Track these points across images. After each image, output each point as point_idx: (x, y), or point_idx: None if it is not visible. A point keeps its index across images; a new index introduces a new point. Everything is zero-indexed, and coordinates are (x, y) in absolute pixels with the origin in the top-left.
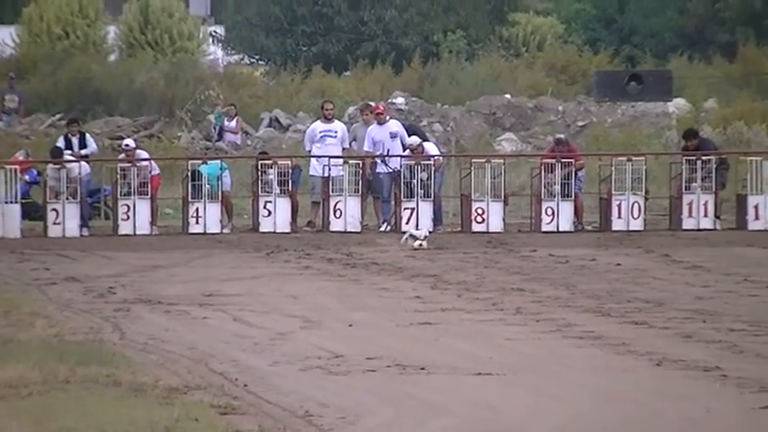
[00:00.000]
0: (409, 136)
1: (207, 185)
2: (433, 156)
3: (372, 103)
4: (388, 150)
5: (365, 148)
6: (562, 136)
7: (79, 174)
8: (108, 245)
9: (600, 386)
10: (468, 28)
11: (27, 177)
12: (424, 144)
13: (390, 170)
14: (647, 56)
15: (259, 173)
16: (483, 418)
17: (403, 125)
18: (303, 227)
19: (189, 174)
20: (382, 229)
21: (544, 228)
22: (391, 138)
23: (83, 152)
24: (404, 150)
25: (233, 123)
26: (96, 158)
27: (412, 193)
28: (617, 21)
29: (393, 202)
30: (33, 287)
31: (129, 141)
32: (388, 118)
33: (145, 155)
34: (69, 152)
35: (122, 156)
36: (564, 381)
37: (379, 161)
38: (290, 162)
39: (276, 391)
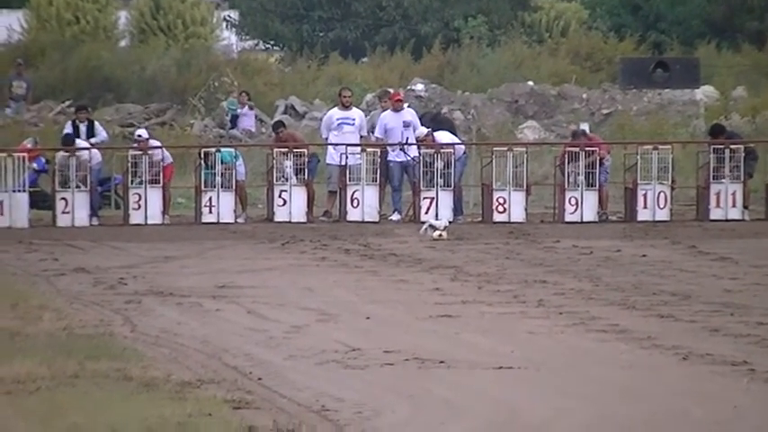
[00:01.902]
0: (435, 125)
1: (221, 165)
2: (449, 144)
3: (392, 90)
4: (407, 139)
5: (376, 134)
6: (581, 128)
7: (89, 161)
8: (118, 235)
9: (625, 382)
10: (490, 13)
11: (35, 166)
12: (437, 134)
13: (408, 158)
14: (673, 43)
15: (276, 158)
16: (503, 416)
17: (424, 114)
18: (319, 217)
19: (202, 158)
20: (393, 218)
21: (567, 218)
22: (404, 126)
23: (92, 140)
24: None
25: (245, 110)
26: (107, 146)
27: (431, 183)
28: (643, 7)
29: (402, 192)
30: (41, 278)
31: (142, 132)
32: (406, 106)
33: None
34: (78, 140)
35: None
36: (587, 376)
37: (390, 149)
38: (306, 150)
39: (291, 385)
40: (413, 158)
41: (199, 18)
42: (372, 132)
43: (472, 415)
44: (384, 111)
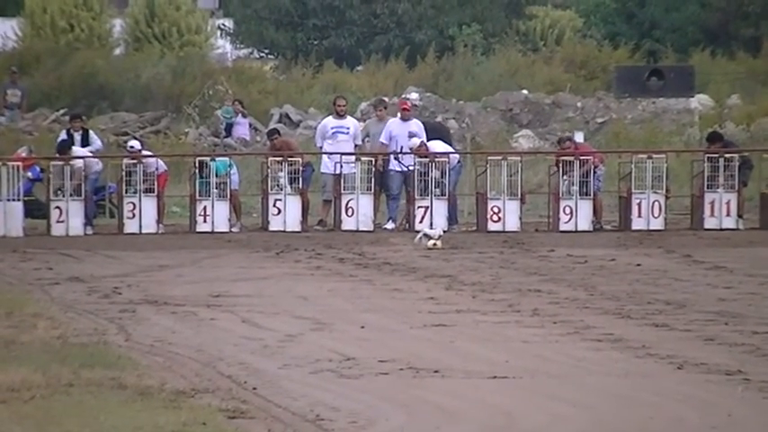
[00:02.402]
0: (429, 133)
1: (215, 177)
2: (444, 153)
3: (386, 99)
4: (401, 148)
5: (381, 140)
6: (567, 135)
7: (83, 169)
8: (113, 244)
9: (619, 390)
10: (485, 21)
11: (30, 174)
12: (431, 143)
13: (404, 168)
14: (668, 51)
15: (271, 167)
16: (498, 424)
17: (424, 123)
18: (314, 226)
19: (197, 167)
20: (387, 226)
21: (562, 227)
22: (409, 137)
23: (87, 149)
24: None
25: (239, 118)
26: (101, 155)
27: (426, 192)
28: (637, 15)
29: (399, 201)
30: (36, 287)
31: (135, 143)
32: (411, 117)
33: (151, 159)
34: (73, 148)
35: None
36: (582, 385)
37: (392, 158)
38: (300, 159)
39: (286, 394)
40: (407, 167)
41: (193, 26)
42: (365, 141)
43: (467, 423)
44: (381, 120)
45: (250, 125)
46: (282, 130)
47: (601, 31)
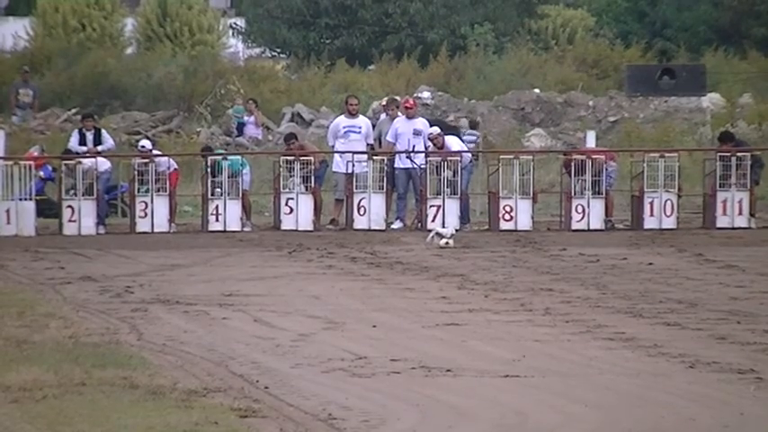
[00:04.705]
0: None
1: (228, 172)
2: (457, 151)
3: (398, 98)
4: (414, 147)
5: (387, 139)
6: (570, 147)
7: (95, 168)
8: (125, 243)
9: (631, 389)
10: (496, 21)
11: (42, 174)
12: (447, 138)
13: (415, 166)
14: (680, 50)
15: (283, 166)
16: (510, 423)
17: (430, 121)
18: (326, 225)
19: (209, 165)
20: (394, 226)
21: (574, 226)
22: (414, 134)
23: (99, 148)
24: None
25: (252, 118)
26: (112, 154)
27: (438, 191)
28: (649, 14)
29: (406, 200)
30: (48, 287)
31: (146, 143)
32: (416, 115)
33: (162, 159)
34: (84, 148)
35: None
36: (594, 384)
37: (398, 156)
38: (312, 158)
39: (298, 393)
40: (418, 166)
41: (205, 25)
42: (379, 140)
43: (479, 422)
44: (393, 119)
45: (262, 124)
46: (294, 130)
47: (612, 30)
